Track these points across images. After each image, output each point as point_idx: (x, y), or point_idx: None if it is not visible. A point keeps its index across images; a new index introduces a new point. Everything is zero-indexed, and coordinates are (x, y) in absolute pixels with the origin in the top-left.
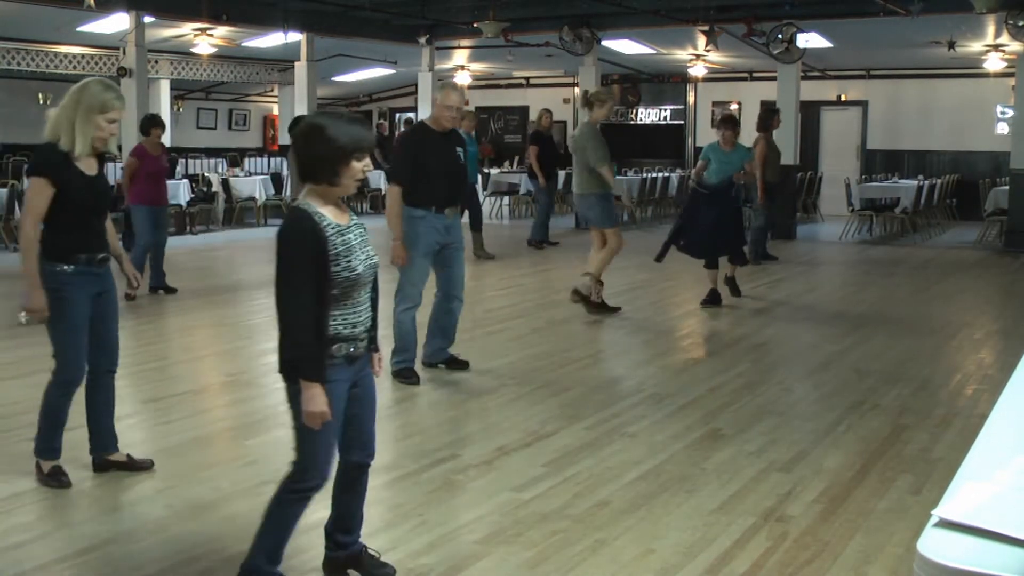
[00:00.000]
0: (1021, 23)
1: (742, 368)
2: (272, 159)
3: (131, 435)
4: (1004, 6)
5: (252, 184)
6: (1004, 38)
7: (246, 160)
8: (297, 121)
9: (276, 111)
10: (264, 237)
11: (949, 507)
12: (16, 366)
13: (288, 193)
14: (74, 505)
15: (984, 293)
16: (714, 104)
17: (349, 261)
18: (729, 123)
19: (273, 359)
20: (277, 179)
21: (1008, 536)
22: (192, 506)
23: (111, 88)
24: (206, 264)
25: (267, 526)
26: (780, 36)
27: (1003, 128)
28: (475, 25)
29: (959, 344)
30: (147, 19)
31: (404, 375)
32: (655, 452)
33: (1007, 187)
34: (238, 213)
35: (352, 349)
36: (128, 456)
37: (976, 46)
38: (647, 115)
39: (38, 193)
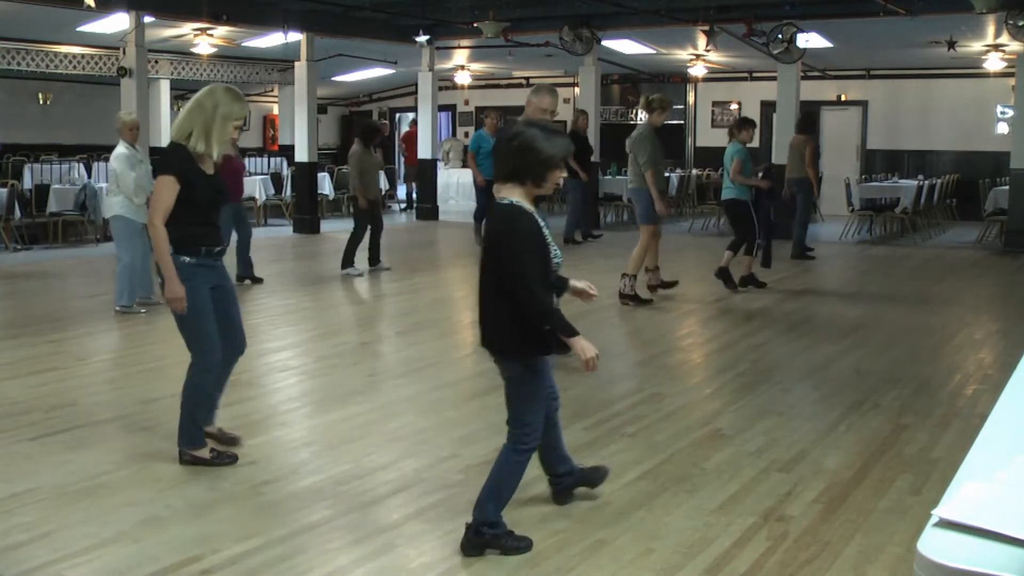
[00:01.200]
0: (1021, 23)
1: (742, 368)
2: (272, 159)
3: (131, 435)
4: (1004, 6)
5: (252, 184)
6: (1004, 38)
7: (246, 160)
8: (513, 135)
9: (276, 111)
10: (264, 237)
11: (949, 507)
12: (16, 366)
13: (288, 193)
14: (74, 505)
15: (984, 293)
16: (714, 104)
17: (555, 248)
18: (752, 124)
19: (273, 359)
20: (277, 179)
21: (1008, 536)
22: (192, 506)
23: (240, 97)
24: None
25: (502, 484)
26: (780, 36)
27: (1003, 128)
28: (475, 25)
29: (959, 344)
30: (147, 19)
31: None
32: (655, 452)
33: (1007, 187)
34: None
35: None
36: (220, 429)
37: (976, 46)
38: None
39: (167, 190)
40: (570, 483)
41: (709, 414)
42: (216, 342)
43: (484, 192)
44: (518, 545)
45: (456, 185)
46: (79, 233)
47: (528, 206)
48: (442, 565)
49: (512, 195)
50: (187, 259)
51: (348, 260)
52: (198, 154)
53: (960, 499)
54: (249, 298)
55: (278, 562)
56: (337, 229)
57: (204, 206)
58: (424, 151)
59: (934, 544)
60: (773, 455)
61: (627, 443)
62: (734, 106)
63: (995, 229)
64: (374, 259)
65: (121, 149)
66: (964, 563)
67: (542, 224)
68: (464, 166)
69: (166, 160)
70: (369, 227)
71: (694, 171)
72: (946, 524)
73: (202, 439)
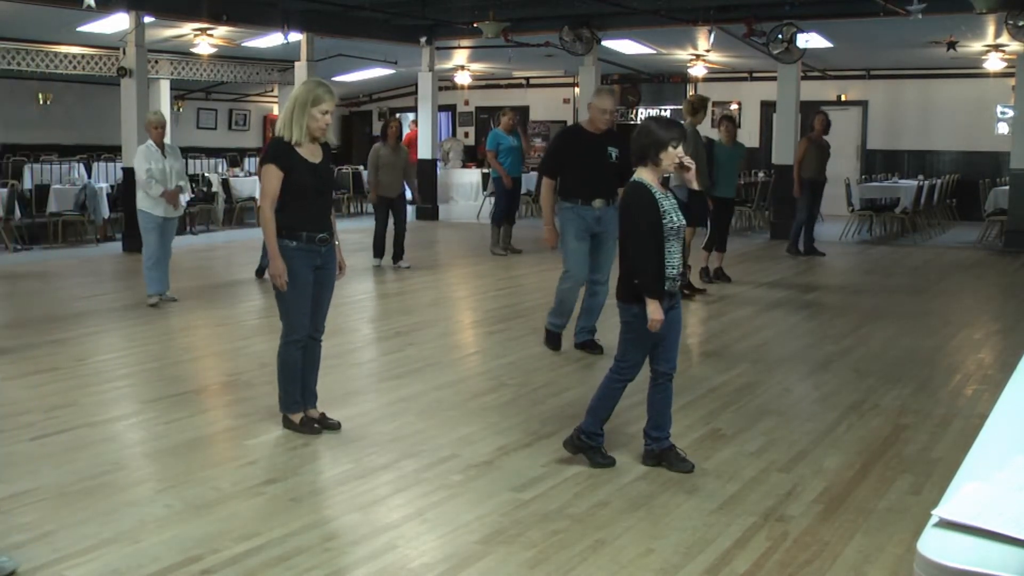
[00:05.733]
0: (1021, 23)
1: (742, 368)
2: None
3: (131, 435)
4: (1004, 6)
5: (252, 184)
6: (1004, 38)
7: (246, 160)
8: (639, 127)
9: (276, 111)
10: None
11: (949, 507)
12: (15, 366)
13: None
14: (74, 505)
15: (984, 293)
16: (714, 104)
17: (671, 216)
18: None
19: (272, 360)
20: None
21: (1008, 536)
22: (192, 506)
23: (322, 85)
24: (206, 264)
25: (598, 404)
26: (780, 36)
27: (1003, 128)
28: (475, 25)
29: (959, 344)
30: (147, 19)
31: (549, 339)
32: None
33: (1007, 187)
34: (238, 213)
35: (667, 286)
36: (322, 414)
37: (976, 46)
38: (647, 115)
39: (266, 177)
40: (654, 449)
41: (709, 414)
42: (303, 320)
43: (507, 194)
44: (602, 462)
45: (456, 185)
46: (79, 233)
47: (649, 182)
48: (442, 565)
49: (641, 175)
50: (290, 243)
51: (375, 252)
52: (295, 143)
53: (960, 499)
54: (249, 298)
55: (278, 562)
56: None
57: (302, 193)
58: (424, 151)
59: (934, 544)
60: (773, 455)
61: (627, 443)
62: (734, 106)
63: (995, 229)
64: (396, 255)
65: (142, 145)
66: (964, 563)
67: (658, 197)
68: (464, 166)
69: (267, 151)
70: (392, 222)
71: None
72: (946, 524)
73: (293, 405)
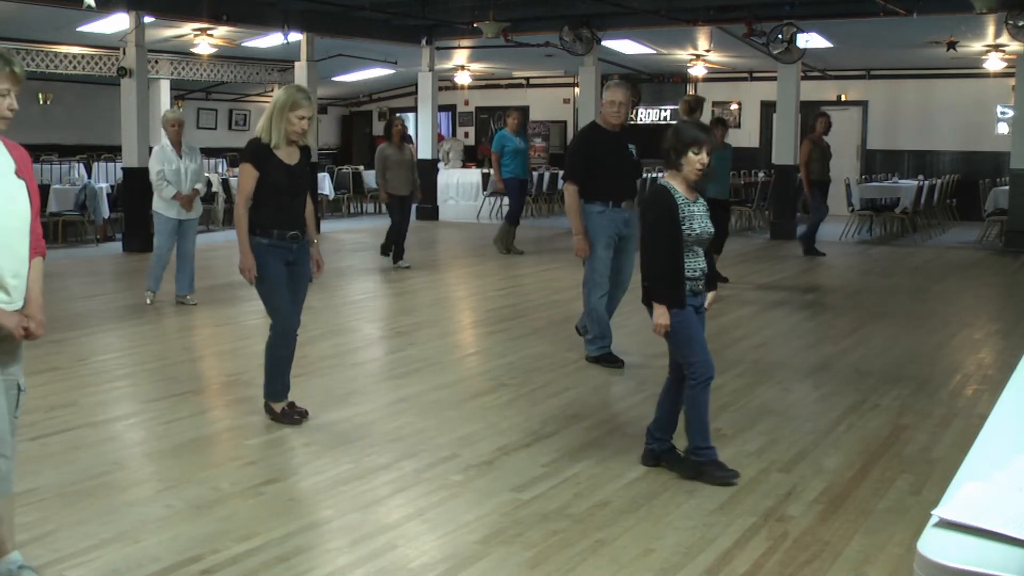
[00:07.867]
0: (1021, 23)
1: (742, 368)
2: None
3: (131, 435)
4: (1004, 6)
5: None
6: (1004, 38)
7: None
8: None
9: None
10: None
11: (949, 507)
12: None
13: None
14: (74, 505)
15: (984, 293)
16: (714, 104)
17: (692, 223)
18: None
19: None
20: None
21: (1008, 536)
22: (192, 506)
23: (301, 91)
24: (206, 264)
25: (692, 417)
26: (780, 36)
27: (1003, 128)
28: (475, 25)
29: (959, 344)
30: (147, 19)
31: (607, 360)
32: None
33: (1007, 187)
34: None
35: (691, 287)
36: (292, 403)
37: (976, 46)
38: (647, 115)
39: (243, 176)
40: (654, 449)
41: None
42: (289, 310)
43: (517, 192)
44: (723, 476)
45: (456, 185)
46: (79, 233)
47: (673, 185)
48: (442, 565)
49: (667, 178)
50: (262, 240)
51: (385, 250)
52: (273, 146)
53: (960, 499)
54: (249, 298)
55: (278, 562)
56: (336, 229)
57: (277, 193)
58: (424, 151)
59: (934, 544)
60: (773, 455)
61: (627, 443)
62: (734, 106)
63: (995, 229)
64: (396, 254)
65: (157, 145)
66: (964, 563)
67: (680, 203)
68: (464, 166)
69: (245, 150)
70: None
71: None
72: (946, 524)
73: (278, 395)
